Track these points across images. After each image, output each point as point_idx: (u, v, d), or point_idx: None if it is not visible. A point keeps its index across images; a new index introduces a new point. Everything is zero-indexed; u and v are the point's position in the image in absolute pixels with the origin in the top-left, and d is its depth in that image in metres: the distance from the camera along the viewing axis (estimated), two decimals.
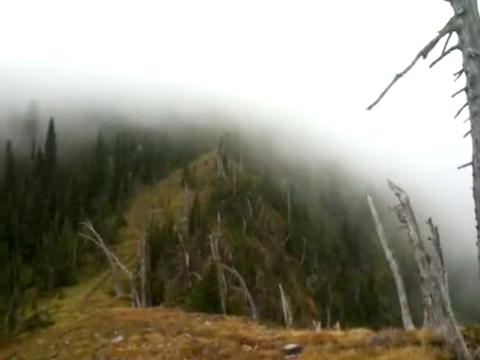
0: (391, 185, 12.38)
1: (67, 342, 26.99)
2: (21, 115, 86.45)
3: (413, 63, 7.88)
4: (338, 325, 24.80)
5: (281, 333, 18.01)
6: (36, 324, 36.80)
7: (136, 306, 45.46)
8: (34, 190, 68.96)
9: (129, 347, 20.79)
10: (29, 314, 40.29)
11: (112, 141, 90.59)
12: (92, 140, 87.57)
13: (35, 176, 73.11)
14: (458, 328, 9.71)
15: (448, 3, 7.98)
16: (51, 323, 37.28)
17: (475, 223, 8.00)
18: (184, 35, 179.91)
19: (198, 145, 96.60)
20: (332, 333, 15.36)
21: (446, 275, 12.07)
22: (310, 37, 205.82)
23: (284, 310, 37.32)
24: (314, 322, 29.35)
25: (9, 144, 72.55)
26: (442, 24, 7.96)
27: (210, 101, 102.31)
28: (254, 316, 41.32)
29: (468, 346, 9.55)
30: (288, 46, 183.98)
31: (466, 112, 7.81)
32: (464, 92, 7.78)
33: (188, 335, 20.82)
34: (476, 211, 7.96)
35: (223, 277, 47.42)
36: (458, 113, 7.93)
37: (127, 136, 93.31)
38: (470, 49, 7.59)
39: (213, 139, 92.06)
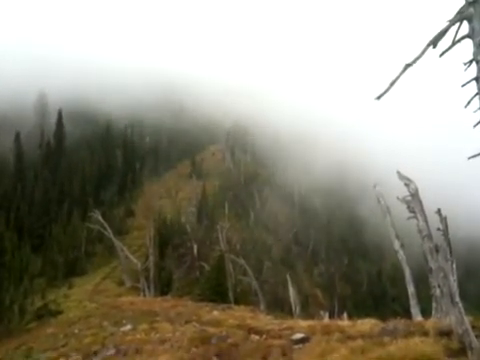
0: (400, 175, 12.36)
1: (76, 331, 27.28)
2: (29, 106, 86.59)
3: (423, 52, 7.81)
4: (346, 315, 24.86)
5: (289, 323, 18.12)
6: (45, 313, 37.22)
7: (145, 296, 45.85)
8: (43, 181, 69.29)
9: (138, 336, 21.01)
10: (38, 304, 40.73)
11: (120, 132, 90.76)
12: (100, 131, 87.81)
13: (44, 167, 73.38)
14: (466, 318, 9.70)
15: None
16: (60, 312, 37.68)
17: None
18: (192, 28, 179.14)
19: (206, 137, 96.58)
20: (340, 323, 15.43)
21: (454, 265, 12.06)
22: (318, 30, 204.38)
23: (291, 300, 37.47)
24: (322, 312, 29.43)
25: (18, 135, 72.81)
26: (452, 13, 7.88)
27: (218, 93, 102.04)
28: (262, 306, 41.50)
29: (476, 336, 9.55)
30: (297, 39, 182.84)
31: (476, 102, 7.74)
32: (474, 82, 7.71)
33: (196, 324, 20.99)
34: None
35: (231, 267, 47.61)
36: (468, 103, 7.87)
37: (135, 128, 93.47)
38: None
39: (221, 131, 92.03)
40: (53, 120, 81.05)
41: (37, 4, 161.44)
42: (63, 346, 24.34)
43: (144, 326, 22.79)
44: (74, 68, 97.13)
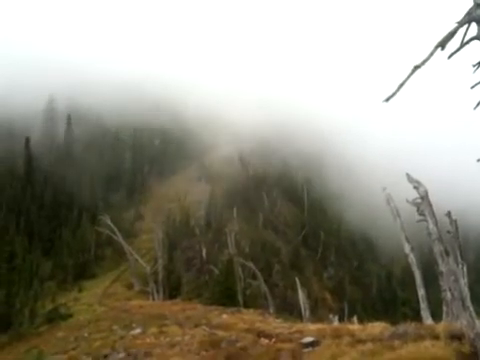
0: (409, 178, 12.28)
1: (86, 334, 27.35)
2: (39, 110, 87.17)
3: (431, 54, 7.76)
4: (355, 319, 24.73)
5: (298, 326, 18.07)
6: (56, 317, 37.33)
7: (154, 299, 45.91)
8: (52, 185, 69.68)
9: (147, 339, 21.03)
10: (49, 307, 40.86)
11: (129, 136, 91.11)
12: (110, 135, 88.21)
13: (53, 171, 73.82)
14: (478, 322, 9.62)
15: None
16: (70, 316, 37.81)
17: None
18: (198, 34, 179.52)
19: (214, 139, 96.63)
20: (350, 327, 15.35)
21: (465, 269, 11.96)
22: (326, 32, 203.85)
23: (301, 304, 37.31)
24: (331, 316, 29.29)
25: (27, 139, 73.24)
26: (461, 14, 7.83)
27: (226, 96, 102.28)
28: (271, 310, 41.39)
29: None
30: (304, 41, 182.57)
31: None
32: None
33: (206, 328, 20.98)
34: None
35: (240, 271, 47.56)
36: (477, 105, 7.81)
37: (144, 131, 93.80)
38: None
39: (229, 134, 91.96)
40: (62, 125, 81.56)
41: (45, 10, 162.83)
42: (73, 349, 24.40)
43: (154, 330, 22.82)
44: (82, 73, 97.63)
